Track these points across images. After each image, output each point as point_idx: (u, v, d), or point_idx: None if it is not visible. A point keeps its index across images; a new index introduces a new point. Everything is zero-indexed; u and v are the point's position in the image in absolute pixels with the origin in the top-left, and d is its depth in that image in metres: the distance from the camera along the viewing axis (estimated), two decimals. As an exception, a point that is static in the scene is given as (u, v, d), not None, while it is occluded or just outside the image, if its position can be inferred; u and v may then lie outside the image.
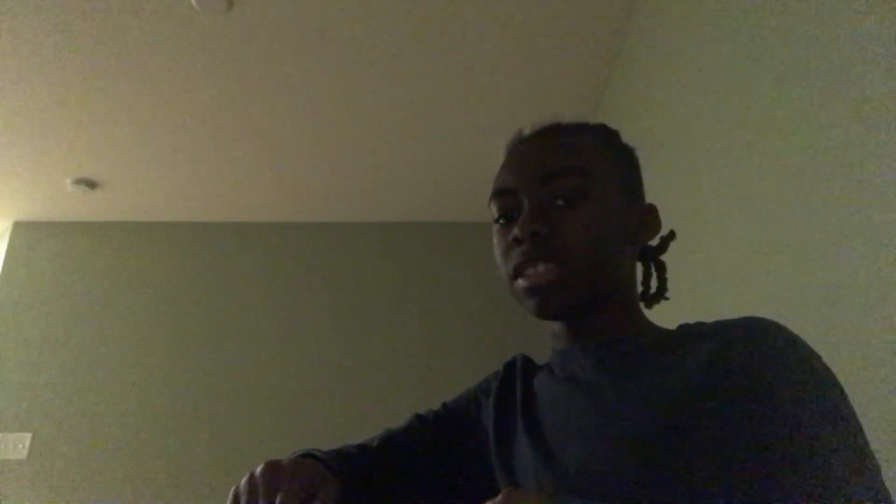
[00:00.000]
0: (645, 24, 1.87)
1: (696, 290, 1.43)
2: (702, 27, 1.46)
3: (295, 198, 3.06)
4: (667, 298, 0.74)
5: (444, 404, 0.77)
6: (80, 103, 2.32)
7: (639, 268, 0.72)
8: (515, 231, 0.61)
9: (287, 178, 2.89)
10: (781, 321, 0.55)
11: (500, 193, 0.66)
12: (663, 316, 0.75)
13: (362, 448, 0.69)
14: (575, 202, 0.61)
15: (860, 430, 0.49)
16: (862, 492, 0.45)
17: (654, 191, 0.73)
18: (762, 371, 0.51)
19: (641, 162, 0.72)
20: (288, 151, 2.68)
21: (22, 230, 3.14)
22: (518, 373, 0.73)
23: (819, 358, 0.53)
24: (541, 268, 0.60)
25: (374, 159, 2.76)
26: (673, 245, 0.74)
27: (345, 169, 2.83)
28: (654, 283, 0.74)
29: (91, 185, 2.84)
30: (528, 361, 0.75)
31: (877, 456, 0.49)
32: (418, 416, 0.74)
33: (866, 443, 0.48)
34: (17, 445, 2.74)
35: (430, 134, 2.60)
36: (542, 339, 0.70)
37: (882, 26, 0.83)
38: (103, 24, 1.96)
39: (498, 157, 0.71)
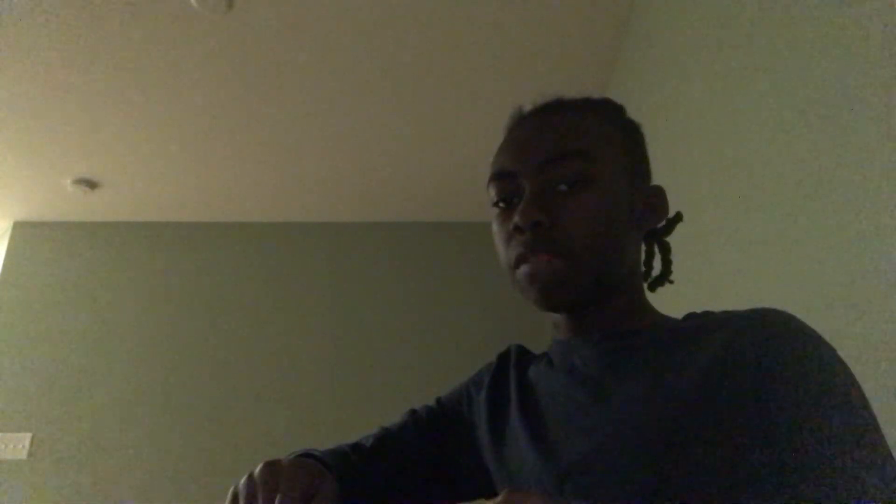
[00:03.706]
0: (647, 17, 1.87)
1: (700, 277, 1.43)
2: (705, 17, 1.45)
3: (295, 198, 3.06)
4: (671, 282, 0.71)
5: (437, 399, 0.76)
6: (80, 103, 2.32)
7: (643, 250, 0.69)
8: (516, 219, 0.58)
9: (287, 178, 2.89)
10: (788, 310, 0.54)
11: (499, 177, 0.62)
12: (667, 302, 0.74)
13: (358, 447, 0.68)
14: (579, 187, 0.58)
15: (875, 424, 0.47)
16: (876, 486, 0.43)
17: (658, 176, 0.71)
18: (773, 364, 0.49)
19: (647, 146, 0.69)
20: (288, 151, 2.68)
21: (22, 230, 3.13)
22: (512, 364, 0.71)
23: (832, 350, 0.51)
24: (543, 260, 0.57)
25: (374, 159, 2.76)
26: (677, 230, 0.70)
27: (345, 169, 2.83)
28: (658, 266, 0.71)
29: (91, 185, 2.84)
30: (522, 352, 0.73)
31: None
32: (413, 413, 0.73)
33: (881, 437, 0.47)
34: (17, 445, 2.73)
35: (430, 133, 2.59)
36: (542, 339, 0.69)
37: (885, 20, 0.83)
38: (103, 23, 1.96)
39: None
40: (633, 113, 0.70)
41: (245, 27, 2.00)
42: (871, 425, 0.47)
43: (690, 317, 0.61)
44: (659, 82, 1.77)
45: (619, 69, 2.15)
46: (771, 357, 0.50)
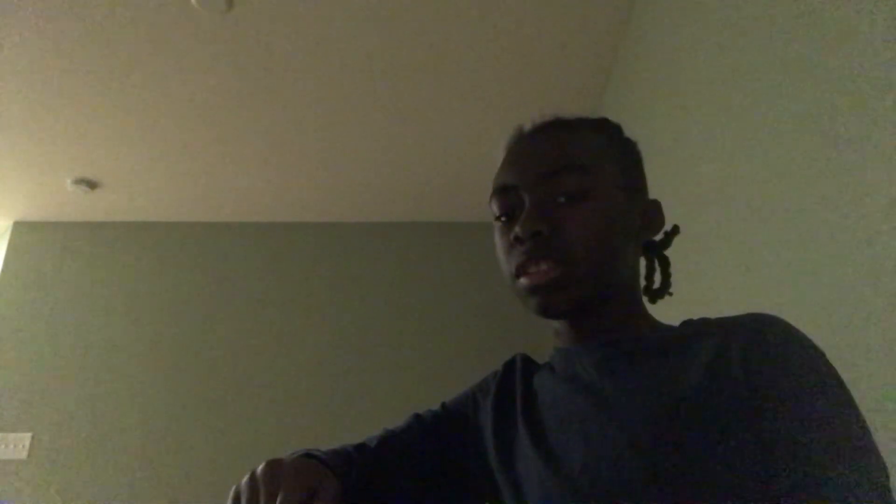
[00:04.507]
0: (645, 21, 1.87)
1: (697, 287, 1.43)
2: (702, 23, 1.46)
3: (295, 198, 3.06)
4: (670, 294, 0.73)
5: (443, 404, 0.76)
6: (80, 103, 2.32)
7: (642, 263, 0.71)
8: (517, 230, 0.60)
9: (287, 178, 2.89)
10: (782, 316, 0.55)
11: (500, 191, 0.65)
12: (665, 311, 0.74)
13: (362, 448, 0.68)
14: (577, 200, 0.61)
15: (865, 428, 0.48)
16: (866, 491, 0.44)
17: (655, 187, 0.73)
18: (764, 368, 0.51)
19: (643, 157, 0.71)
20: (288, 151, 2.68)
21: (22, 230, 3.13)
22: (518, 373, 0.72)
23: (822, 354, 0.52)
24: (543, 267, 0.59)
25: (373, 159, 2.76)
26: (675, 240, 0.73)
27: (345, 169, 2.83)
28: (657, 279, 0.73)
29: (91, 185, 2.84)
30: (528, 361, 0.75)
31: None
32: (417, 417, 0.74)
33: (871, 441, 0.48)
34: (17, 445, 2.73)
35: (429, 134, 2.60)
36: (543, 340, 0.70)
37: (883, 22, 0.83)
38: (103, 23, 1.96)
39: (498, 157, 0.70)
40: (629, 120, 0.71)
41: (245, 27, 2.00)
42: (861, 430, 0.48)
43: (687, 324, 0.63)
44: (655, 89, 1.77)
45: (617, 71, 2.15)
46: (763, 361, 0.51)
